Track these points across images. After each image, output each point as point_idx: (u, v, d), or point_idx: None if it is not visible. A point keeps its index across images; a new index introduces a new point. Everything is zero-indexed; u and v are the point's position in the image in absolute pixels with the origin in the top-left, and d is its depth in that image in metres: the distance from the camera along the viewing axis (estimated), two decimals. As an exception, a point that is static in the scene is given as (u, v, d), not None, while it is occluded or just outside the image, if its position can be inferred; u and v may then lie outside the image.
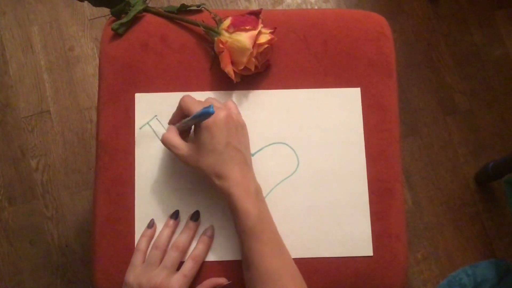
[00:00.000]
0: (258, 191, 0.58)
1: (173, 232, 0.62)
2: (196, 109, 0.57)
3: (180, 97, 0.63)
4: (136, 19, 0.67)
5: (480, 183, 1.21)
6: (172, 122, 0.62)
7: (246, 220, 0.56)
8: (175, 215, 0.63)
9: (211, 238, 0.63)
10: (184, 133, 0.61)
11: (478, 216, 1.20)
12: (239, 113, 0.62)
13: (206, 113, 0.53)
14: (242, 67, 0.62)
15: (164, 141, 0.59)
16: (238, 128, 0.59)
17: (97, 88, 0.67)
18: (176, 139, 0.59)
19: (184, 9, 0.68)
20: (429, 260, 1.18)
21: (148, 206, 0.64)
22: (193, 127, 0.61)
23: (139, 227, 0.63)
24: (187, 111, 0.58)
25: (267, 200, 0.64)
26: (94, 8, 1.24)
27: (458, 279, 1.08)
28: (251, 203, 0.56)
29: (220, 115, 0.56)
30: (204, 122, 0.56)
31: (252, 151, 0.65)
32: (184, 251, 0.61)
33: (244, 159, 0.58)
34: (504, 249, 1.18)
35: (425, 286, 1.17)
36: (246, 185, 0.57)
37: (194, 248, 0.62)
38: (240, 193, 0.56)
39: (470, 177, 1.22)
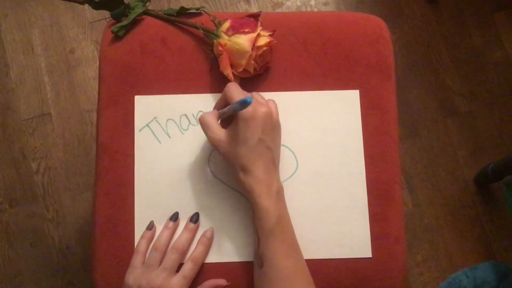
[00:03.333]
0: (280, 191, 0.58)
1: (172, 234, 0.62)
2: (238, 98, 0.57)
3: (180, 99, 0.63)
4: (136, 22, 0.68)
5: (479, 185, 1.21)
6: (215, 107, 0.63)
7: (266, 219, 0.56)
8: (175, 217, 0.63)
9: (211, 239, 0.63)
10: (224, 122, 0.61)
11: (478, 218, 1.20)
12: (277, 113, 0.62)
13: (243, 102, 0.53)
14: (241, 70, 0.63)
15: (201, 120, 0.59)
16: (274, 127, 0.59)
17: (97, 91, 0.68)
18: (212, 121, 0.59)
19: (183, 12, 0.68)
20: (429, 262, 1.18)
21: (148, 208, 0.64)
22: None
23: (139, 228, 0.63)
24: (230, 99, 0.58)
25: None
26: (94, 11, 1.25)
27: (457, 281, 1.07)
28: (272, 203, 0.56)
29: (260, 110, 0.56)
30: (243, 113, 0.56)
31: (252, 153, 0.65)
32: (184, 253, 0.61)
33: (273, 158, 0.58)
34: (504, 251, 1.18)
35: (425, 287, 1.17)
36: (269, 184, 0.57)
37: (194, 249, 0.62)
38: (262, 190, 0.56)
39: (470, 179, 1.22)
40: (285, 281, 0.55)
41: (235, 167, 0.58)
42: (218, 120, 0.60)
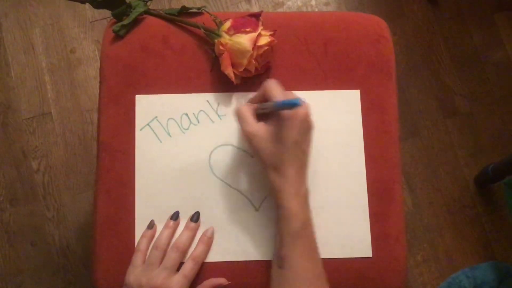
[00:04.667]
0: (307, 195, 0.58)
1: (173, 233, 0.63)
2: (278, 96, 0.56)
3: (181, 99, 0.63)
4: (137, 21, 0.68)
5: (480, 186, 1.21)
6: (251, 101, 0.62)
7: (292, 222, 0.55)
8: (175, 216, 0.63)
9: (211, 238, 0.63)
10: (258, 117, 0.60)
11: (478, 218, 1.20)
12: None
13: (293, 104, 0.52)
14: (242, 69, 0.63)
15: (236, 112, 0.59)
16: (309, 130, 0.58)
17: (98, 90, 0.68)
18: (249, 114, 0.58)
19: (184, 12, 0.68)
20: (429, 262, 1.18)
21: (148, 207, 0.64)
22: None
23: (140, 228, 0.63)
24: (269, 96, 0.58)
25: (267, 201, 0.64)
26: (95, 10, 1.25)
27: (458, 281, 1.08)
28: (300, 205, 0.56)
29: (300, 111, 0.55)
30: (283, 112, 0.55)
31: (252, 153, 0.65)
32: (184, 252, 0.61)
33: (305, 161, 0.58)
34: (504, 251, 1.18)
35: (425, 288, 1.17)
36: (298, 187, 0.57)
37: (194, 248, 0.62)
38: (291, 192, 0.56)
39: (470, 179, 1.22)
40: (304, 284, 0.55)
41: (266, 165, 0.57)
42: (253, 112, 0.59)
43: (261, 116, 0.60)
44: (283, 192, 0.56)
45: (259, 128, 0.57)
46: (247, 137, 0.58)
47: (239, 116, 0.59)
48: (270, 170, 0.57)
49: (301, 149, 0.57)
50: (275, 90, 0.57)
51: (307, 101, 0.55)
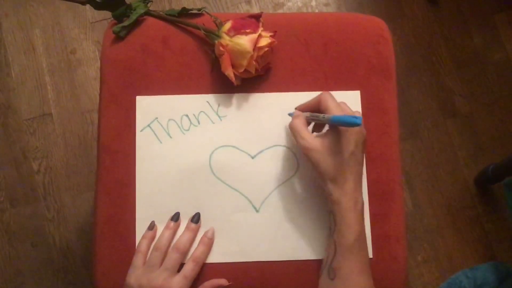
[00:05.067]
0: (363, 207, 0.58)
1: (173, 234, 0.63)
2: (336, 111, 0.57)
3: (181, 100, 0.63)
4: (137, 22, 0.68)
5: (480, 186, 1.21)
6: (301, 108, 0.62)
7: (348, 233, 0.56)
8: (176, 217, 0.63)
9: (212, 239, 0.63)
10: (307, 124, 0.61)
11: (478, 219, 1.20)
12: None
13: (353, 123, 0.52)
14: (242, 70, 0.63)
15: (292, 126, 0.59)
16: (364, 141, 0.58)
17: (99, 91, 0.68)
18: (304, 128, 0.59)
19: (185, 13, 0.68)
20: (429, 262, 1.18)
21: (149, 208, 0.64)
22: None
23: (140, 229, 0.63)
24: (325, 108, 0.58)
25: (267, 202, 0.64)
26: (95, 11, 1.24)
27: (458, 281, 1.08)
28: (356, 218, 0.56)
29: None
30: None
31: (253, 154, 0.65)
32: (185, 253, 0.61)
33: (361, 173, 0.58)
34: (504, 252, 1.18)
35: (425, 288, 1.17)
36: (356, 199, 0.57)
37: (195, 249, 0.62)
38: (349, 205, 0.56)
39: (470, 180, 1.22)
40: None
41: (324, 177, 0.57)
42: (306, 123, 0.60)
43: (310, 123, 0.61)
44: (341, 205, 0.56)
45: (315, 141, 0.57)
46: (303, 151, 0.58)
47: (293, 130, 0.59)
48: (329, 183, 0.57)
49: (357, 160, 0.57)
50: (331, 103, 0.58)
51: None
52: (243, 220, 0.64)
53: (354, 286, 0.55)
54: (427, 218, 1.20)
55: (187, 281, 0.59)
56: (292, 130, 0.60)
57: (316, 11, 1.31)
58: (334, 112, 0.57)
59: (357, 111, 0.62)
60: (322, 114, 0.58)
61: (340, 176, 0.56)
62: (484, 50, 1.29)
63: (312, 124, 0.63)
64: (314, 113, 0.60)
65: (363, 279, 0.56)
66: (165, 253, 0.61)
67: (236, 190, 0.64)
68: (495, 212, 1.20)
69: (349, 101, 0.66)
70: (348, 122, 0.53)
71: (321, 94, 0.60)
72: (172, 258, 0.60)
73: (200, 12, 0.69)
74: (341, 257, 0.56)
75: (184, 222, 0.64)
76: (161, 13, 0.68)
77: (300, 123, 0.59)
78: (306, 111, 0.61)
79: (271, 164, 0.65)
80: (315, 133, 0.61)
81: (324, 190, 0.58)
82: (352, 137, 0.56)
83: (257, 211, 0.64)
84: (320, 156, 0.57)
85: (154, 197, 0.64)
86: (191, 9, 0.68)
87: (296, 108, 0.63)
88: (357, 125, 0.52)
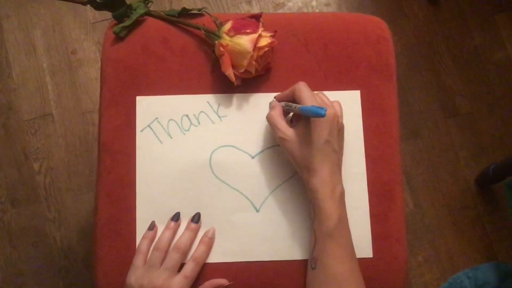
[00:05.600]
0: (342, 195, 0.58)
1: (174, 234, 0.63)
2: (308, 101, 0.57)
3: (181, 100, 0.63)
4: (137, 22, 0.68)
5: (481, 186, 1.21)
6: (279, 98, 0.63)
7: (326, 221, 0.56)
8: (176, 217, 0.63)
9: (212, 239, 0.63)
10: (284, 113, 0.62)
11: (479, 218, 1.20)
12: (342, 115, 0.62)
13: (317, 113, 0.53)
14: (242, 70, 0.63)
15: (269, 119, 0.61)
16: (340, 129, 0.59)
17: (99, 91, 0.68)
18: (281, 121, 0.60)
19: (185, 13, 0.68)
20: (430, 262, 1.18)
21: (149, 208, 0.64)
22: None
23: (140, 229, 0.63)
24: (298, 98, 0.59)
25: (267, 202, 0.64)
26: (96, 12, 1.24)
27: (459, 281, 1.08)
28: (335, 205, 0.56)
29: (328, 112, 0.56)
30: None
31: (253, 154, 0.65)
32: (185, 253, 0.61)
33: (338, 160, 0.59)
34: (505, 251, 1.18)
35: (426, 288, 1.17)
36: (333, 186, 0.57)
37: (195, 249, 0.62)
38: (325, 192, 0.56)
39: (471, 179, 1.22)
40: (336, 285, 0.55)
41: (301, 167, 0.58)
42: (283, 115, 0.61)
43: (289, 113, 0.62)
44: (318, 192, 0.57)
45: (290, 132, 0.59)
46: (280, 143, 0.60)
47: (270, 122, 0.60)
48: (303, 172, 0.58)
49: (332, 149, 0.57)
50: (304, 93, 0.58)
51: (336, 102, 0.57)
52: (243, 220, 0.64)
53: (335, 274, 0.55)
54: (428, 218, 1.20)
55: (187, 281, 0.59)
56: (269, 122, 0.61)
57: (317, 11, 1.31)
58: (306, 102, 0.57)
59: (336, 101, 0.63)
60: (295, 104, 0.59)
61: (315, 165, 0.57)
62: (485, 50, 1.29)
63: (292, 114, 0.64)
64: (288, 103, 0.60)
65: (344, 268, 0.56)
66: (166, 253, 0.61)
67: (236, 190, 0.64)
68: (496, 212, 1.20)
69: (349, 101, 0.67)
70: (313, 112, 0.54)
71: (296, 84, 0.60)
72: (173, 258, 0.60)
73: (200, 12, 0.69)
74: (321, 246, 0.56)
75: (184, 222, 0.64)
76: (161, 13, 0.68)
77: (275, 115, 0.60)
78: (283, 101, 0.62)
79: (271, 164, 0.65)
80: (290, 124, 0.62)
81: (303, 179, 0.59)
82: (325, 125, 0.56)
83: (257, 211, 0.64)
84: (294, 145, 0.58)
85: (155, 197, 0.64)
86: (191, 10, 0.69)
87: (274, 97, 0.64)
88: (321, 115, 0.53)
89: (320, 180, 0.57)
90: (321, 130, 0.56)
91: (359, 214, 0.64)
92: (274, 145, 0.66)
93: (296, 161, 0.59)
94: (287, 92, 0.62)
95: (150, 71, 0.66)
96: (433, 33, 1.30)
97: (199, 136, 0.66)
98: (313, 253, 0.57)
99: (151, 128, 0.66)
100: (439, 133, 1.24)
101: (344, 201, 0.59)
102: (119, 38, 0.67)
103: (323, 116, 0.53)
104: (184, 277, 0.59)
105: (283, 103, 0.62)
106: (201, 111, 0.66)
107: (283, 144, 0.59)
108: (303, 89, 0.59)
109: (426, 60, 1.28)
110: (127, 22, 0.67)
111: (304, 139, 0.57)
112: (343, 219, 0.57)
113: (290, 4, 1.32)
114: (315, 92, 0.61)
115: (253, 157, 0.65)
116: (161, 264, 0.60)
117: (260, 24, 0.63)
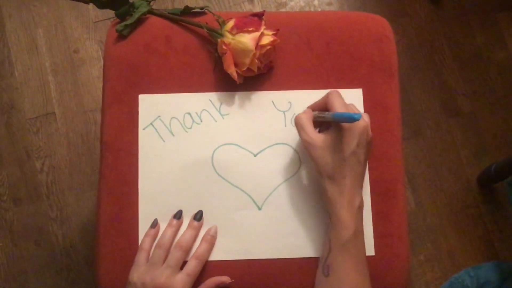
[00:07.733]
0: (361, 207, 0.58)
1: (176, 232, 0.63)
2: (339, 108, 0.57)
3: (184, 98, 0.64)
4: (140, 21, 0.68)
5: (482, 185, 1.21)
6: (311, 107, 0.63)
7: (342, 231, 0.56)
8: (179, 215, 0.63)
9: (215, 237, 0.63)
10: (316, 123, 0.61)
11: (481, 218, 1.20)
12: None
13: (351, 118, 0.53)
14: (245, 68, 0.63)
15: (296, 120, 0.60)
16: (368, 142, 0.58)
17: (102, 90, 0.68)
18: (308, 123, 0.59)
19: (187, 11, 0.68)
20: (432, 261, 1.18)
21: (152, 206, 0.64)
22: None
23: (143, 226, 0.64)
24: (330, 105, 0.58)
25: (270, 200, 0.64)
26: (98, 10, 1.24)
27: (460, 280, 1.07)
28: (352, 217, 0.56)
29: (360, 123, 0.56)
30: (343, 123, 0.56)
31: (255, 152, 0.65)
32: (188, 250, 0.61)
33: (361, 173, 0.58)
34: (507, 250, 1.18)
35: (428, 287, 1.17)
36: (352, 197, 0.57)
37: (198, 247, 0.62)
38: (344, 203, 0.56)
39: (473, 179, 1.22)
40: None
41: (322, 173, 0.58)
42: (311, 120, 0.60)
43: (320, 124, 0.61)
44: (336, 202, 0.56)
45: (317, 137, 0.58)
46: (305, 145, 0.59)
47: (297, 124, 0.60)
48: (325, 179, 0.58)
49: (358, 160, 0.57)
50: (336, 101, 0.58)
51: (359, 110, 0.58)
52: (245, 218, 0.64)
53: (349, 283, 0.55)
54: (430, 217, 1.20)
55: (190, 279, 0.59)
56: (296, 124, 0.60)
57: (319, 10, 1.31)
58: (340, 110, 0.57)
59: (365, 114, 0.62)
60: (328, 112, 0.58)
61: (337, 174, 0.56)
62: (487, 49, 1.29)
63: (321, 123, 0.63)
64: (321, 111, 0.60)
65: (357, 279, 0.56)
66: (168, 251, 0.61)
67: (238, 188, 0.65)
68: (498, 211, 1.20)
69: (351, 99, 0.66)
70: (346, 117, 0.54)
71: (329, 92, 0.60)
72: (175, 255, 0.60)
73: (202, 10, 0.69)
74: (336, 255, 0.56)
75: (186, 220, 0.64)
76: (164, 11, 0.68)
77: (305, 118, 0.60)
78: (316, 110, 0.62)
79: (273, 162, 0.65)
80: (318, 129, 0.61)
81: (321, 186, 0.59)
82: (354, 136, 0.56)
83: (259, 209, 0.64)
84: (320, 152, 0.57)
85: (157, 195, 0.64)
86: (194, 8, 0.69)
87: (308, 107, 0.63)
88: (355, 120, 0.53)
89: (341, 189, 0.56)
90: (350, 140, 0.56)
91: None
92: (276, 143, 0.66)
93: (319, 167, 0.58)
94: (319, 101, 0.61)
95: (152, 69, 0.67)
96: (435, 32, 1.30)
97: (202, 134, 0.66)
98: (327, 260, 0.57)
99: (153, 126, 0.66)
100: (441, 132, 1.24)
101: (361, 213, 0.58)
102: (121, 36, 0.67)
103: (357, 120, 0.53)
104: (186, 274, 0.59)
105: (315, 112, 0.61)
106: (204, 109, 0.66)
107: (308, 148, 0.59)
108: (336, 98, 0.59)
109: (428, 59, 1.28)
110: (129, 20, 0.67)
111: (331, 147, 0.57)
112: (359, 231, 0.57)
113: (292, 3, 1.32)
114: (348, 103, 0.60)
115: (255, 155, 0.65)
116: (164, 261, 0.60)
117: (263, 23, 0.63)
